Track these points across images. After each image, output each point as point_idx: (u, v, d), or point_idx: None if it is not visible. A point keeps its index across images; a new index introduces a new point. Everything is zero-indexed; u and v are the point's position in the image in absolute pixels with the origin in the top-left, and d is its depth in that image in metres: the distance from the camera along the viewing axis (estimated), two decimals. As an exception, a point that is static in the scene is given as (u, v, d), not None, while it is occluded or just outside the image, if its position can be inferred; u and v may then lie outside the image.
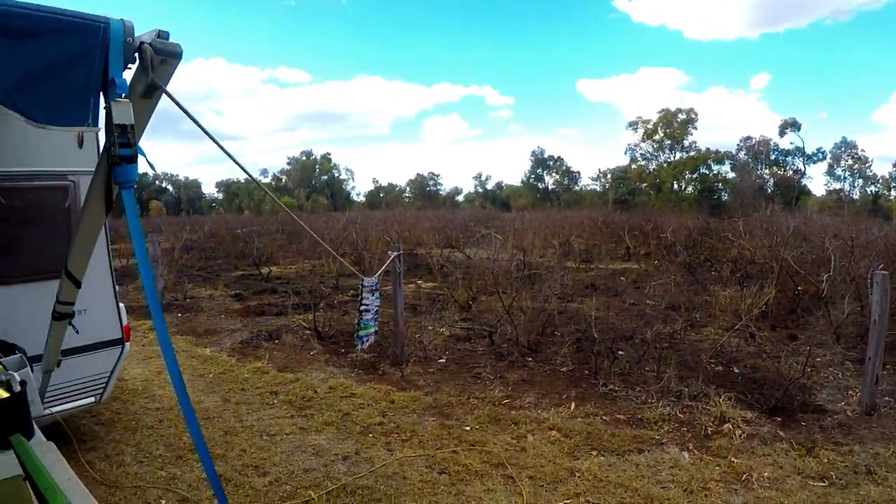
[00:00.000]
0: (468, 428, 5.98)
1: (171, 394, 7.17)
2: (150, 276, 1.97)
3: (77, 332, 4.00)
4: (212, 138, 2.33)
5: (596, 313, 8.72)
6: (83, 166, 5.29)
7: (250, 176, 2.81)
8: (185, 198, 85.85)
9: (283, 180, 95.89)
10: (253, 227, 25.91)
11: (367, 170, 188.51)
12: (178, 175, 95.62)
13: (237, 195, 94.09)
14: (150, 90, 1.94)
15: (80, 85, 1.78)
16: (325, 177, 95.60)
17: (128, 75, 1.98)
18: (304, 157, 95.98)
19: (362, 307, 6.75)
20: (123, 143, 1.75)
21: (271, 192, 4.38)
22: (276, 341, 9.56)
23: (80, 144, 5.30)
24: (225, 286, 15.28)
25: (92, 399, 5.62)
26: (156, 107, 2.11)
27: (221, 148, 2.35)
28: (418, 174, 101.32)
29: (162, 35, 1.93)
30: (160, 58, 1.92)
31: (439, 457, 5.39)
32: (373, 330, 7.05)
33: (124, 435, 6.04)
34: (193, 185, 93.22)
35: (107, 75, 1.82)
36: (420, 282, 15.32)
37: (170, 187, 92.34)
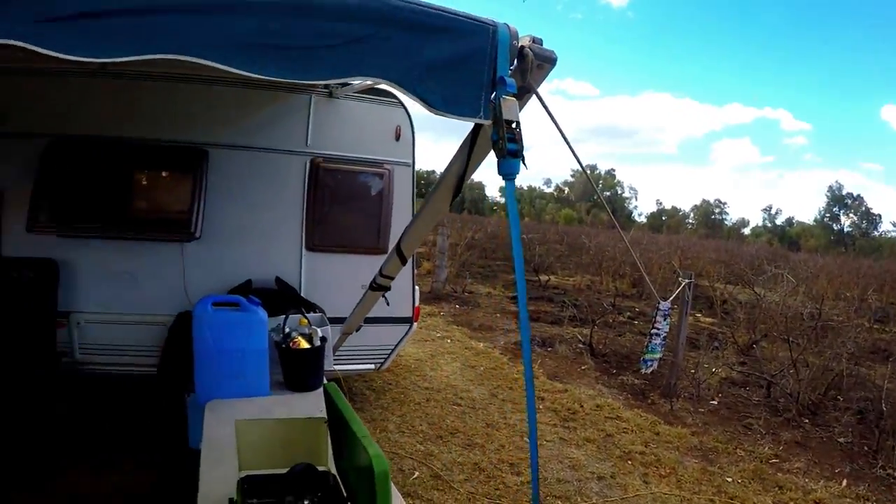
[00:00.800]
0: (729, 479, 5.62)
1: (441, 376, 7.55)
2: (522, 269, 2.08)
3: (388, 304, 4.33)
4: (570, 147, 2.40)
5: (888, 384, 7.90)
6: (398, 157, 5.83)
7: (597, 192, 2.86)
8: (469, 198, 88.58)
9: (566, 192, 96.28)
10: (533, 233, 26.24)
11: (650, 189, 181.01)
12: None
13: (519, 201, 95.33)
14: (521, 92, 2.06)
15: (472, 80, 1.93)
16: (608, 192, 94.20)
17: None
18: (588, 171, 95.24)
19: (653, 331, 6.64)
20: (510, 137, 1.87)
21: (610, 212, 4.45)
22: (549, 349, 9.63)
23: (397, 138, 5.78)
24: (503, 287, 15.66)
25: (372, 366, 6.07)
26: (521, 109, 2.23)
27: (576, 157, 2.43)
28: (703, 200, 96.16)
29: (536, 41, 2.05)
30: (538, 62, 2.03)
31: (695, 501, 5.12)
32: (658, 355, 6.90)
33: (391, 405, 6.41)
34: (478, 187, 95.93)
35: (495, 74, 1.95)
36: (699, 315, 14.70)
37: (414, 184, 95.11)
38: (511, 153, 1.89)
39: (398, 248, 3.19)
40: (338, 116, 5.66)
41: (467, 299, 13.51)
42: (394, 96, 5.70)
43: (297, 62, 1.78)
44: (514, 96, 1.96)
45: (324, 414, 2.81)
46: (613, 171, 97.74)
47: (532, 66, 2.05)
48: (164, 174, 5.54)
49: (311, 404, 3.90)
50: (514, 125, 1.91)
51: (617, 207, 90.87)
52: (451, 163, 2.53)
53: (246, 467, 2.59)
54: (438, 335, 9.82)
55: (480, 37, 1.96)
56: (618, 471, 5.51)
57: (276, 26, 1.74)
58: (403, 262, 3.33)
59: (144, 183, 5.54)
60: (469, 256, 18.10)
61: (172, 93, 5.30)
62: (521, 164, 1.94)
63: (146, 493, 4.38)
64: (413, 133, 5.90)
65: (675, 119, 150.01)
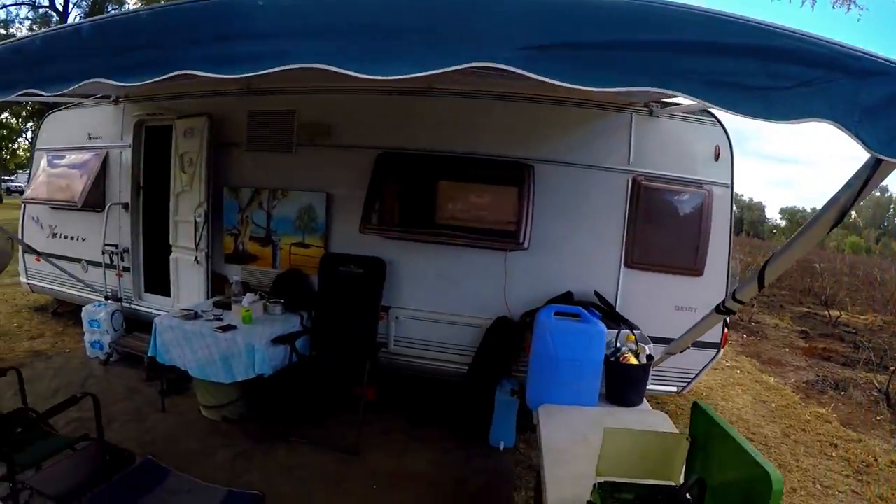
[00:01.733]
0: None
1: (732, 408, 7.41)
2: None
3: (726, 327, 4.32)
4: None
5: None
6: (717, 178, 5.75)
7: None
8: (748, 219, 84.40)
9: (853, 216, 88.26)
10: (816, 262, 24.43)
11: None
12: (742, 195, 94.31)
13: (800, 224, 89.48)
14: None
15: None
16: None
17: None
18: (877, 193, 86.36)
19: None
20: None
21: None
22: (842, 393, 9.00)
23: (716, 158, 5.71)
24: (790, 319, 14.86)
25: (674, 389, 6.06)
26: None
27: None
28: None
29: None
30: None
31: None
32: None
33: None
34: (757, 208, 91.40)
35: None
36: None
37: (733, 205, 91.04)
38: None
39: (761, 273, 3.17)
40: (658, 135, 5.72)
41: (754, 329, 12.97)
42: (713, 115, 5.68)
43: (755, 101, 1.94)
44: None
45: (653, 428, 2.93)
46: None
47: None
48: (491, 187, 5.88)
49: (635, 418, 4.00)
50: None
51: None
52: (836, 194, 2.52)
53: (602, 473, 2.74)
54: (728, 364, 9.58)
55: None
56: (910, 537, 5.14)
57: (735, 67, 1.94)
58: (761, 287, 3.30)
59: (471, 194, 5.93)
60: (754, 282, 17.28)
61: (498, 110, 5.70)
62: None
63: (444, 482, 4.74)
64: (732, 153, 5.79)
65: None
